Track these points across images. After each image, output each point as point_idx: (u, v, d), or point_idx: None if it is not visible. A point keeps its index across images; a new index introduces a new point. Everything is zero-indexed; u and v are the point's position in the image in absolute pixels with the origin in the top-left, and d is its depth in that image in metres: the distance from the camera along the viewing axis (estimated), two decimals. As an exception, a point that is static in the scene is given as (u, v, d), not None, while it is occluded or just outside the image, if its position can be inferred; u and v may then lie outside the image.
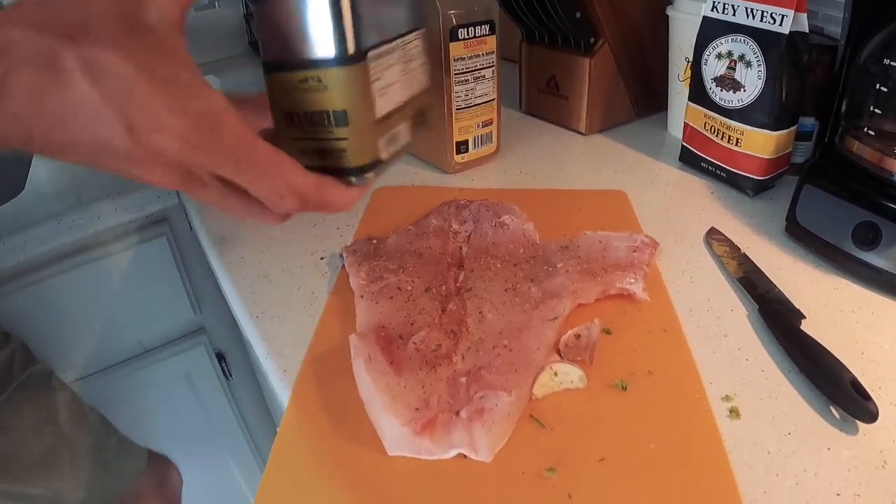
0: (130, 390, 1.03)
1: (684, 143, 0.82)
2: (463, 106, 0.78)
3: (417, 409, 0.42)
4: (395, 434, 0.41)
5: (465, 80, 0.76)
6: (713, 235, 0.66)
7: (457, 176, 0.82)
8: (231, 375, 1.15)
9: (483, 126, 0.81)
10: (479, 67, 0.77)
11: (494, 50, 0.78)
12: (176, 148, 0.31)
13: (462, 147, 0.81)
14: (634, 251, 0.59)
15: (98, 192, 0.88)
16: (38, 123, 0.30)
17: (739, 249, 0.64)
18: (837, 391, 0.46)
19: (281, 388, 0.49)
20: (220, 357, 1.12)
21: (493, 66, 0.78)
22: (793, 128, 0.73)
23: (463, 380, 0.45)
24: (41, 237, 0.85)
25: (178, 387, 1.10)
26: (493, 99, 0.80)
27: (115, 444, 0.84)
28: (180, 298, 1.04)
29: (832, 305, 0.57)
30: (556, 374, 0.46)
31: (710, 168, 0.79)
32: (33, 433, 0.74)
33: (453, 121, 0.78)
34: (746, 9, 0.70)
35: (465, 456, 0.41)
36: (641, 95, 0.97)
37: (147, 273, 0.98)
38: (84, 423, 0.81)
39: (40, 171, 0.96)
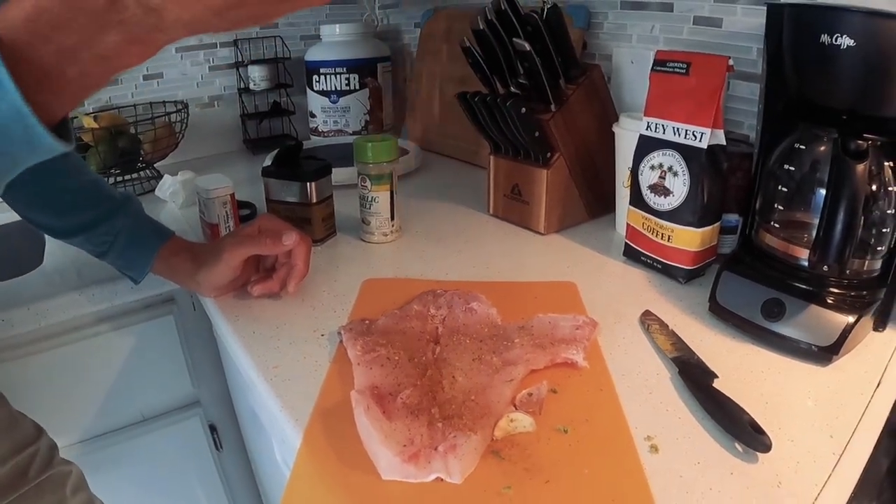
0: (127, 455, 1.08)
1: (627, 241, 0.93)
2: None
3: (405, 445, 0.53)
4: (388, 463, 0.52)
5: None
6: (647, 316, 0.77)
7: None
8: (222, 447, 1.20)
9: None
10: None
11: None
12: None
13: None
14: (577, 329, 0.71)
15: (99, 272, 0.96)
16: None
17: (668, 326, 0.75)
18: (738, 429, 0.56)
19: (294, 434, 0.59)
20: (213, 429, 1.19)
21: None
22: (716, 224, 0.85)
23: (440, 425, 0.56)
24: (62, 307, 0.94)
25: (172, 455, 1.14)
26: None
27: None
28: (181, 372, 1.11)
29: (744, 368, 0.67)
30: (512, 420, 0.58)
31: (648, 261, 0.90)
32: None
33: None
34: (673, 128, 0.83)
35: (442, 479, 0.52)
36: (594, 199, 1.08)
37: (153, 347, 1.06)
38: None
39: (54, 248, 1.06)
